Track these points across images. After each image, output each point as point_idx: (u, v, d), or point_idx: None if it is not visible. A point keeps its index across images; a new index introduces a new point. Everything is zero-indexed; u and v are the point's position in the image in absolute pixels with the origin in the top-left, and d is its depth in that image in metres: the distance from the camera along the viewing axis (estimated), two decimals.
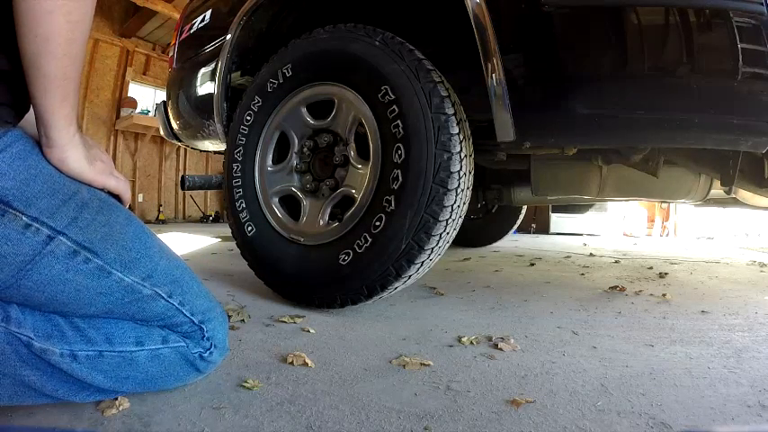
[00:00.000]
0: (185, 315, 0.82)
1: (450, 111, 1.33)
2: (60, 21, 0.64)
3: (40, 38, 0.64)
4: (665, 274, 2.65)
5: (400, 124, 1.33)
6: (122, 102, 8.03)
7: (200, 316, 0.84)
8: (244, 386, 0.89)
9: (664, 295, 1.94)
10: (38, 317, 0.73)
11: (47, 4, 0.62)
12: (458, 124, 1.34)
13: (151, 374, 0.80)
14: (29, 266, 0.69)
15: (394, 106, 1.35)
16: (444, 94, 1.35)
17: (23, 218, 0.68)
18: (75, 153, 0.74)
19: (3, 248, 0.67)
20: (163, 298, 0.80)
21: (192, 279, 0.86)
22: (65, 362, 0.73)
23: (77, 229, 0.72)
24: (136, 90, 8.43)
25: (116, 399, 0.79)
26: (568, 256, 3.50)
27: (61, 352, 0.73)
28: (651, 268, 2.90)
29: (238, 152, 1.72)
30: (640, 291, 2.07)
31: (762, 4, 1.08)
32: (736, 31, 1.09)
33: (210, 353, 0.85)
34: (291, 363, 1.03)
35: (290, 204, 1.65)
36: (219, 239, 4.07)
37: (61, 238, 0.71)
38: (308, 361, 1.03)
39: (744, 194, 1.92)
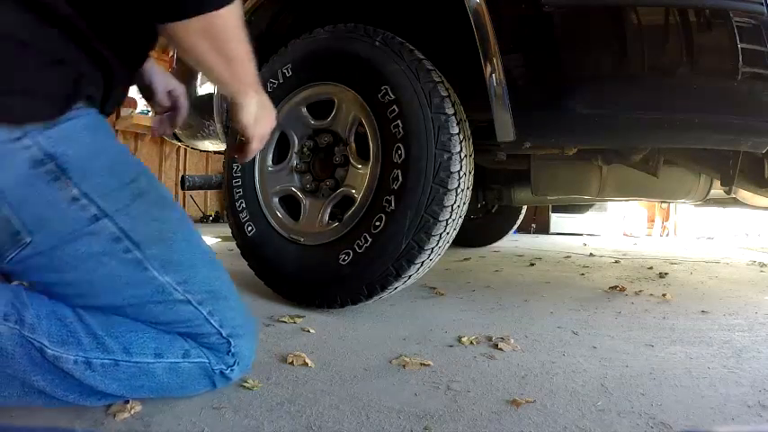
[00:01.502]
0: (213, 325, 0.80)
1: (451, 111, 1.33)
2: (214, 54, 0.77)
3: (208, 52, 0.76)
4: (665, 274, 2.65)
5: (400, 124, 1.33)
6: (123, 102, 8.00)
7: (229, 329, 0.82)
8: (244, 386, 0.89)
9: (664, 295, 1.94)
10: (53, 322, 0.71)
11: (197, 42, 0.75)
12: (458, 124, 1.34)
13: (166, 385, 0.78)
14: (68, 239, 0.69)
15: (394, 106, 1.35)
16: (444, 93, 1.35)
17: (74, 189, 0.68)
18: (245, 112, 0.91)
19: (47, 212, 0.68)
20: (192, 304, 0.78)
21: (229, 293, 0.84)
22: (78, 369, 0.71)
23: (126, 217, 0.72)
24: (136, 90, 8.39)
25: (127, 402, 0.78)
26: (568, 256, 3.50)
27: (75, 359, 0.71)
28: (651, 268, 2.90)
29: None
30: (640, 291, 2.07)
31: (762, 3, 1.08)
32: (736, 30, 1.09)
33: (232, 370, 0.83)
34: (291, 363, 1.02)
35: (290, 204, 1.65)
36: (219, 239, 4.07)
37: (107, 221, 0.71)
38: (308, 361, 1.03)
39: (744, 194, 1.92)
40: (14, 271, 0.73)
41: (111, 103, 0.81)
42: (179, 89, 1.12)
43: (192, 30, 0.72)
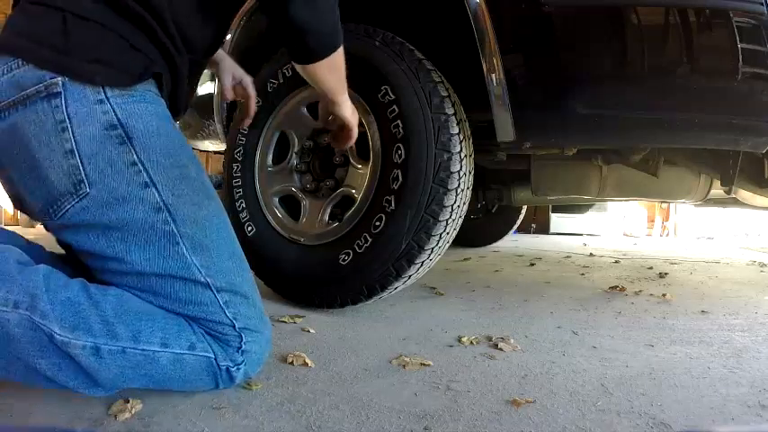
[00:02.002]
0: (226, 315, 0.82)
1: (451, 111, 1.34)
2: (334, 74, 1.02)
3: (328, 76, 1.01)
4: (665, 274, 2.65)
5: (400, 124, 1.33)
6: None
7: (242, 323, 0.84)
8: (244, 386, 0.89)
9: (664, 295, 1.94)
10: (67, 308, 0.74)
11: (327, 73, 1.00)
12: (458, 124, 1.34)
13: (169, 376, 0.80)
14: (120, 198, 0.78)
15: (394, 106, 1.35)
16: (444, 94, 1.35)
17: (134, 155, 0.79)
18: (344, 107, 1.10)
19: (108, 168, 0.78)
20: (211, 289, 0.82)
21: (251, 292, 0.88)
22: (85, 354, 0.73)
23: (171, 193, 0.81)
24: None
25: (128, 401, 0.78)
26: (568, 256, 3.50)
27: (84, 345, 0.73)
28: (651, 268, 2.91)
29: (238, 152, 1.72)
30: (640, 291, 2.07)
31: (762, 4, 1.08)
32: (736, 30, 1.09)
33: (238, 368, 0.84)
34: (291, 363, 1.02)
35: (290, 204, 1.65)
36: None
37: (154, 190, 0.79)
38: (307, 361, 1.03)
39: (744, 194, 1.92)
40: (65, 226, 0.80)
41: (180, 99, 0.94)
42: (246, 79, 1.28)
43: (322, 65, 0.96)
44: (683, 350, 1.22)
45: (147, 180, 0.79)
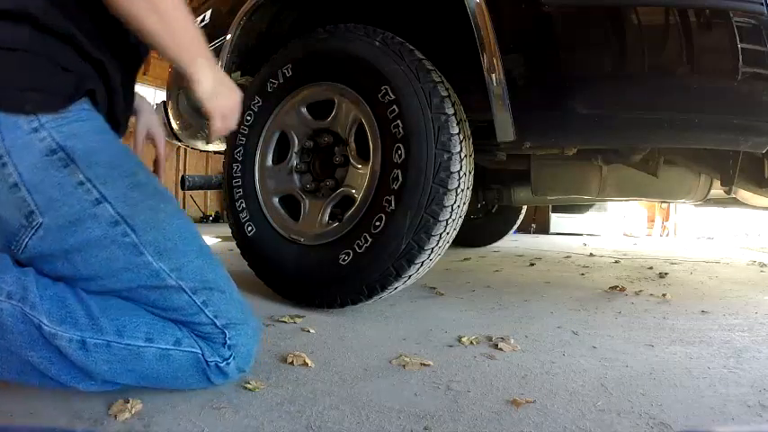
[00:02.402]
0: (207, 315, 0.82)
1: (451, 111, 1.34)
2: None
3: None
4: (665, 274, 2.65)
5: (400, 124, 1.33)
6: None
7: (224, 320, 0.83)
8: (244, 386, 0.89)
9: (664, 295, 1.94)
10: (54, 302, 0.76)
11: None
12: (458, 124, 1.34)
13: (157, 372, 0.80)
14: (74, 220, 0.77)
15: (394, 106, 1.35)
16: (444, 94, 1.35)
17: (80, 175, 0.77)
18: (199, 85, 0.89)
19: (57, 193, 0.76)
20: (186, 292, 0.81)
21: (226, 286, 0.87)
22: (72, 347, 0.74)
23: (124, 204, 0.79)
24: (136, 90, 8.39)
25: (128, 401, 0.78)
26: (568, 256, 3.50)
27: (71, 338, 0.74)
28: (651, 268, 2.91)
29: (238, 152, 1.72)
30: (640, 291, 2.07)
31: (762, 3, 1.08)
32: (736, 30, 1.09)
33: (228, 363, 0.84)
34: (291, 363, 1.02)
35: (290, 204, 1.65)
36: (219, 239, 4.07)
37: (107, 205, 0.78)
38: (307, 361, 1.03)
39: (744, 194, 1.92)
40: (32, 258, 0.80)
41: (118, 111, 0.91)
42: (158, 137, 1.16)
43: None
44: (683, 350, 1.22)
45: (98, 196, 0.78)
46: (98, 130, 0.83)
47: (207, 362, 0.82)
